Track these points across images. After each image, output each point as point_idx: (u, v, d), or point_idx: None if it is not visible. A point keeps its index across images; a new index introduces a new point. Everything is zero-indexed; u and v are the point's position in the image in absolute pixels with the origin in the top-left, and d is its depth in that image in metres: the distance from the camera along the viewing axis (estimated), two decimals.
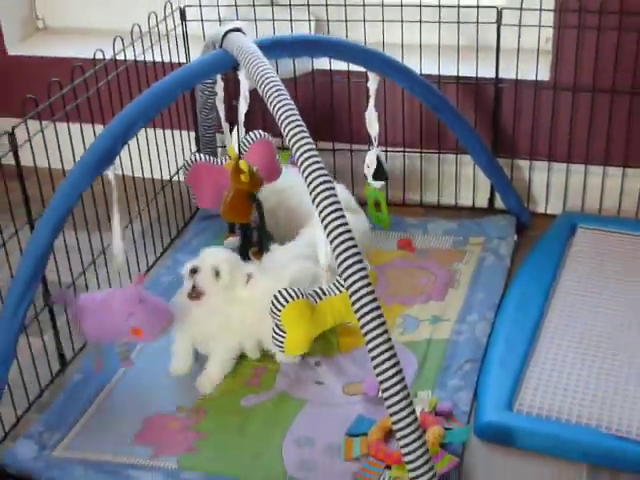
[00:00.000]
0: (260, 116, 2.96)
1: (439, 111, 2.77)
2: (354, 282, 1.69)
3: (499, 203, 3.05)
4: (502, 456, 2.14)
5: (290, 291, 2.04)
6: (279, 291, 2.04)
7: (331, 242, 1.71)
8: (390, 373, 1.69)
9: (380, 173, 2.79)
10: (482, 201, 3.09)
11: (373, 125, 2.67)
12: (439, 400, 2.23)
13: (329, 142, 3.07)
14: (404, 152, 3.06)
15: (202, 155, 2.59)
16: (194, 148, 3.19)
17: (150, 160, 2.90)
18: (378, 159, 2.76)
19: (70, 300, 2.27)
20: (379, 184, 2.79)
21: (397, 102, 3.01)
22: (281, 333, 2.05)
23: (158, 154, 2.97)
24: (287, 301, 2.03)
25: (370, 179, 2.79)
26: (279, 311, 2.03)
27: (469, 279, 2.72)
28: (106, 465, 2.14)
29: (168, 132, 3.02)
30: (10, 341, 2.07)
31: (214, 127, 3.04)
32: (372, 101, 2.62)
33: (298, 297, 2.03)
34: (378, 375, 1.69)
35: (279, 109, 1.87)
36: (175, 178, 3.06)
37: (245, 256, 2.60)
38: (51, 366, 2.44)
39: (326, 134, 3.05)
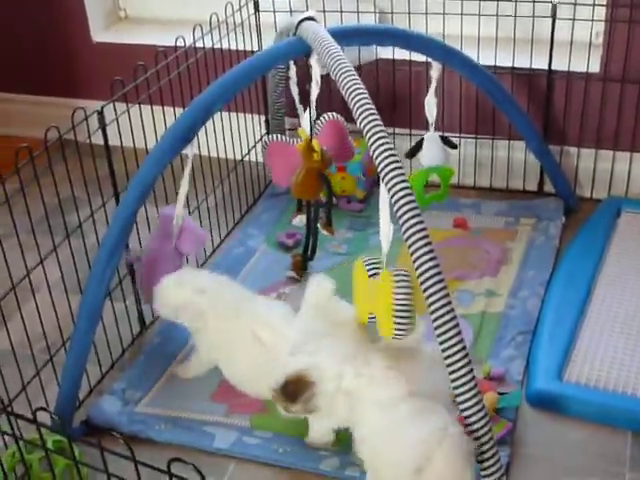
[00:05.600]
0: (326, 101, 2.95)
1: (496, 99, 2.74)
2: (420, 256, 1.68)
3: (548, 187, 3.01)
4: (552, 423, 2.12)
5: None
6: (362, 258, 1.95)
7: (399, 219, 1.70)
8: (453, 341, 1.67)
9: (410, 152, 2.72)
10: (532, 185, 3.05)
11: (432, 111, 2.64)
12: (492, 366, 2.21)
13: (390, 127, 3.06)
14: (460, 137, 3.03)
15: (278, 135, 2.57)
16: (264, 131, 3.19)
17: (224, 141, 2.91)
18: (420, 140, 2.70)
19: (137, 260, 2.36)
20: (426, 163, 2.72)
21: (455, 90, 2.98)
22: None
23: (232, 136, 2.97)
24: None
25: (425, 161, 2.73)
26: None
27: (520, 257, 2.70)
28: (184, 421, 2.16)
29: (240, 115, 3.01)
30: (97, 301, 2.08)
31: (283, 110, 3.03)
32: (433, 88, 2.58)
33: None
34: (441, 343, 1.68)
35: (351, 93, 1.85)
36: (246, 158, 3.06)
37: (309, 229, 2.60)
38: (132, 328, 2.46)
39: (387, 119, 3.01)
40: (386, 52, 2.98)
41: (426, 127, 2.68)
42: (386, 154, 1.74)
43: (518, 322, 2.41)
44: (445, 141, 2.68)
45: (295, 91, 2.54)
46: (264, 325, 2.12)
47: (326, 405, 1.91)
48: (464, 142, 3.05)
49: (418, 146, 2.69)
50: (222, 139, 2.89)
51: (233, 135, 2.99)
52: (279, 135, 2.55)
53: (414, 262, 1.68)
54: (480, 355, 2.28)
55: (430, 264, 1.66)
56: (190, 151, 2.21)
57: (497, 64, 2.85)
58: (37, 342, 2.15)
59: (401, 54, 2.92)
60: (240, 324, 2.14)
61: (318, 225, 2.57)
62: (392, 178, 1.72)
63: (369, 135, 1.79)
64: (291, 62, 2.50)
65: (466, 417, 1.70)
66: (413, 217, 1.68)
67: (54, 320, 2.15)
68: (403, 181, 1.72)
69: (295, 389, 1.88)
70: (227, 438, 2.10)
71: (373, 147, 1.77)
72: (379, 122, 1.81)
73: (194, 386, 2.27)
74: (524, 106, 2.89)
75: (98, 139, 2.20)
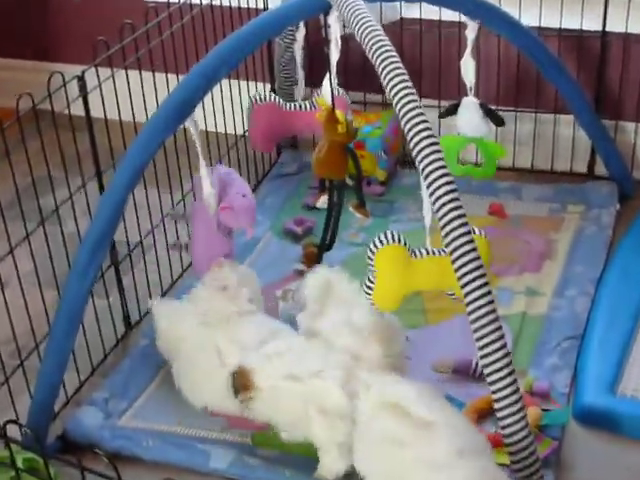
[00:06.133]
0: (343, 64, 2.93)
1: (541, 63, 2.72)
2: (457, 247, 1.66)
3: (599, 169, 3.00)
4: (604, 443, 2.10)
5: (393, 233, 1.97)
6: (384, 232, 1.97)
7: (434, 202, 1.69)
8: (494, 346, 1.66)
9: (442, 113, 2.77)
10: (581, 167, 3.04)
11: (469, 75, 2.63)
12: (535, 379, 2.20)
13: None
14: (497, 110, 3.00)
15: (271, 95, 2.58)
16: None
17: (224, 114, 2.90)
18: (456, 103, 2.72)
19: None
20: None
21: (492, 54, 2.96)
22: (373, 279, 2.00)
23: (232, 107, 2.96)
24: (383, 243, 1.98)
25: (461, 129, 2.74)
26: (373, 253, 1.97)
27: (567, 250, 2.69)
28: (175, 437, 2.15)
29: (242, 84, 3.00)
30: (79, 299, 2.06)
31: (292, 78, 3.01)
32: (469, 50, 2.58)
33: (399, 242, 1.97)
34: (480, 348, 1.66)
35: (379, 55, 1.83)
36: (248, 134, 3.04)
37: (330, 214, 2.58)
38: (116, 328, 2.45)
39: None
40: (412, 10, 2.96)
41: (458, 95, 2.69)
42: (419, 127, 1.73)
43: (564, 326, 2.40)
44: (488, 112, 2.67)
45: (300, 56, 2.53)
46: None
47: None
48: (502, 116, 3.03)
49: (453, 108, 2.71)
50: (221, 111, 2.87)
51: (234, 106, 2.97)
52: (272, 95, 2.57)
53: (451, 255, 1.67)
54: (520, 364, 2.25)
55: (468, 257, 1.66)
56: (193, 126, 2.19)
57: (542, 25, 2.84)
58: (6, 345, 2.15)
59: (429, 13, 2.90)
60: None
61: (350, 208, 2.53)
62: (426, 156, 1.70)
63: (400, 105, 1.78)
64: (301, 23, 2.49)
65: (506, 434, 1.69)
66: (450, 202, 1.67)
67: (26, 319, 2.13)
68: (439, 159, 1.71)
69: (238, 383, 2.07)
70: (225, 457, 2.09)
71: (404, 119, 1.76)
72: (411, 88, 1.80)
73: None
74: (573, 74, 2.86)
75: (78, 109, 2.19)
